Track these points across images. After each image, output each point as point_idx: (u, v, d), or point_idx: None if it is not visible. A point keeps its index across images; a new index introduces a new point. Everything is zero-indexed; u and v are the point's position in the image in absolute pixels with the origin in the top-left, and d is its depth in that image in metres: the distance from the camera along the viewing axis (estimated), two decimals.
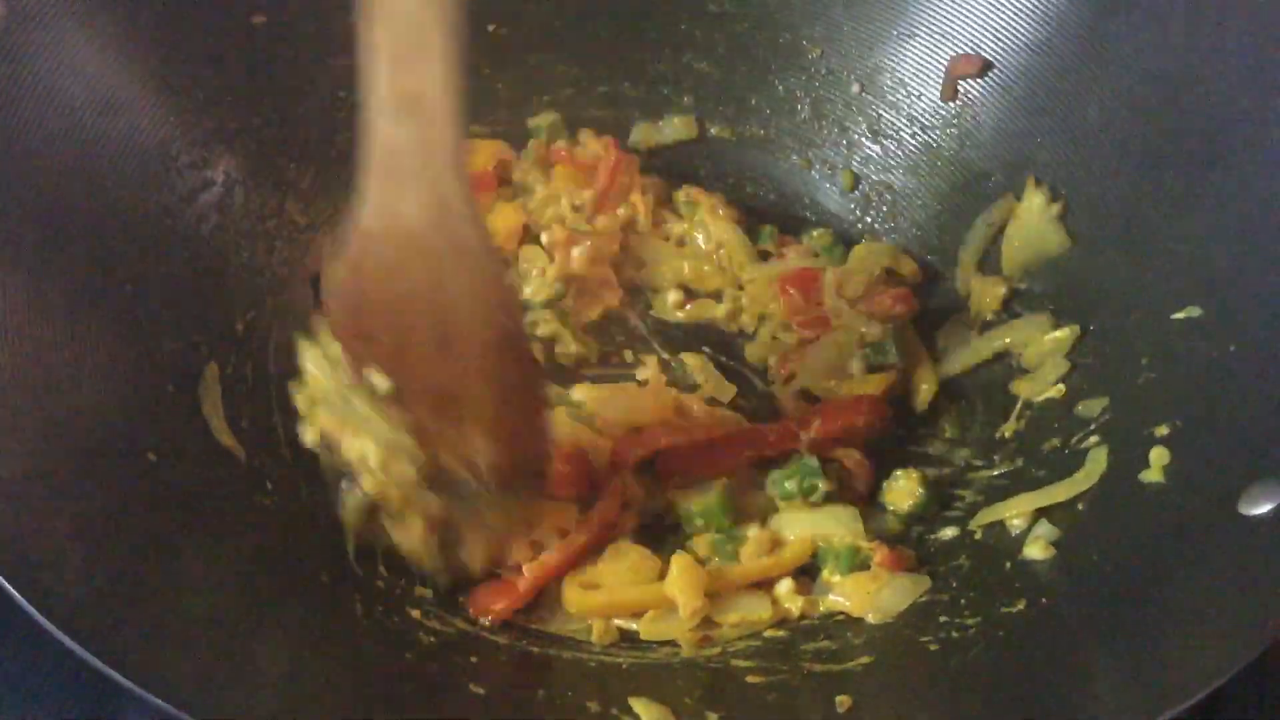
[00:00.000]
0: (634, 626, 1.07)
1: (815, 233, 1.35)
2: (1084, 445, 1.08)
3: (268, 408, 1.14)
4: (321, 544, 1.07)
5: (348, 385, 0.95)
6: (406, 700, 0.95)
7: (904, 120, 1.32)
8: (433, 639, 1.02)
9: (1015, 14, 1.22)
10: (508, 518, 1.05)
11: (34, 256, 1.00)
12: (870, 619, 1.05)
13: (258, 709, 0.84)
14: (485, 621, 1.06)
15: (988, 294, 1.24)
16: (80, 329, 1.01)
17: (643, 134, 1.40)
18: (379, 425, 0.95)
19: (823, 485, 1.12)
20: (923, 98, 1.31)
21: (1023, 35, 1.22)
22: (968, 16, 1.25)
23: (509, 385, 0.97)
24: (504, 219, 1.31)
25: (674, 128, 1.40)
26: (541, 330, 1.25)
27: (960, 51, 1.26)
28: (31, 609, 0.79)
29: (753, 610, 1.07)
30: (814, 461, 1.12)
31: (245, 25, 1.21)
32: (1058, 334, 1.17)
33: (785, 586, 1.08)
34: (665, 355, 1.26)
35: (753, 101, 1.38)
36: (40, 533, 0.86)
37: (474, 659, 1.01)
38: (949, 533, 1.12)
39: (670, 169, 1.38)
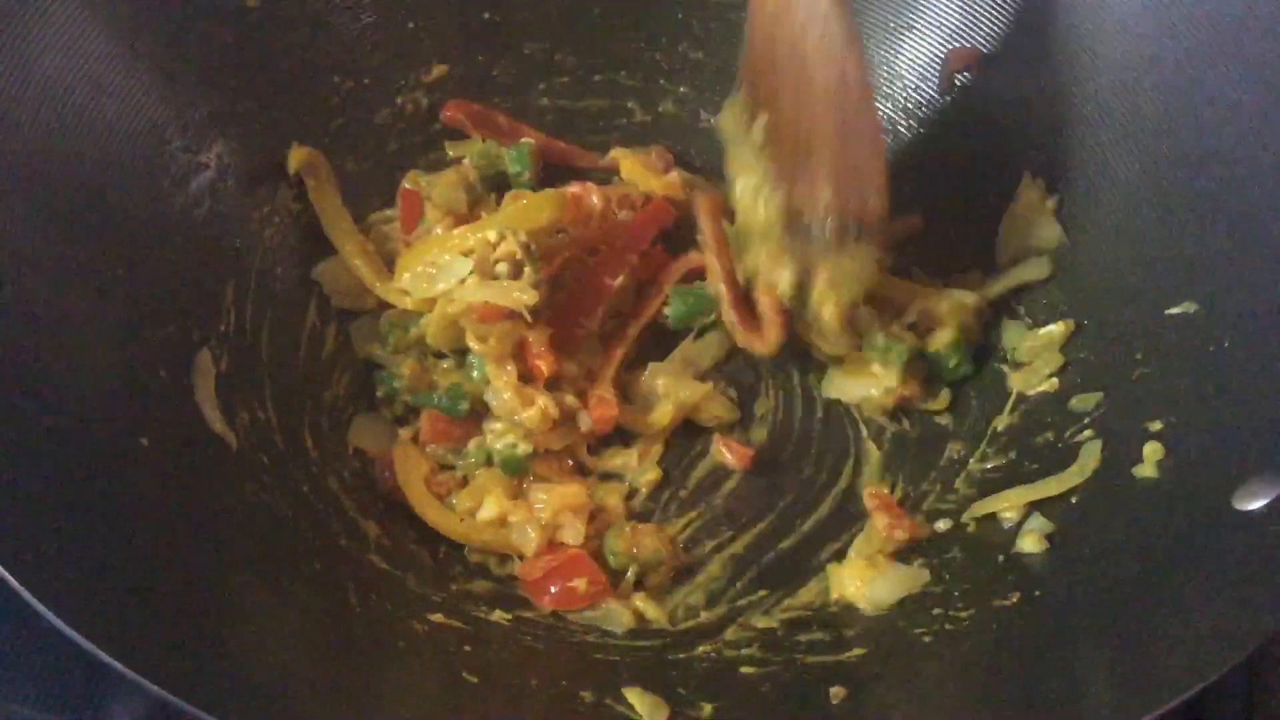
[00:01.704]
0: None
1: None
2: (1078, 439, 1.08)
3: (261, 395, 1.13)
4: (314, 531, 1.07)
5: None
6: (399, 688, 0.94)
7: (900, 113, 1.32)
8: (425, 627, 1.02)
9: (1013, 7, 1.22)
10: (855, 263, 1.12)
11: (25, 240, 0.99)
12: (864, 609, 1.05)
13: (250, 695, 0.84)
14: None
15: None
16: (73, 314, 1.00)
17: None
18: (757, 167, 1.14)
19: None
20: (919, 90, 1.30)
21: (1020, 29, 1.22)
22: (965, 9, 1.25)
23: (852, 132, 1.10)
24: None
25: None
26: None
27: (957, 45, 1.26)
28: (26, 593, 0.79)
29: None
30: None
31: (239, 8, 1.20)
32: (1052, 328, 1.17)
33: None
34: None
35: None
36: (33, 517, 0.85)
37: (467, 647, 1.01)
38: (942, 525, 1.12)
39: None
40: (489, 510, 1.12)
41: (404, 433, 1.17)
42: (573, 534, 1.10)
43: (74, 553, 0.86)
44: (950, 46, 1.27)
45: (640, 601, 1.08)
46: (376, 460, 1.16)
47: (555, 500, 1.11)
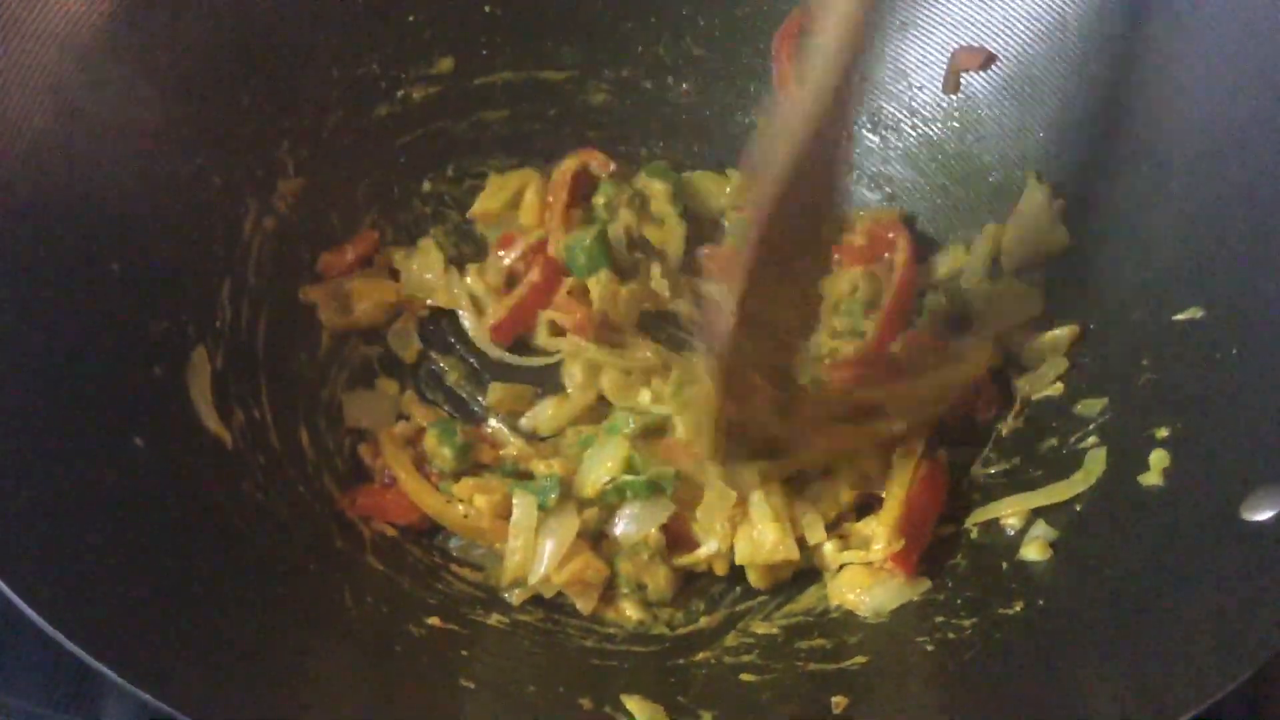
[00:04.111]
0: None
1: None
2: (1082, 445, 1.07)
3: (256, 393, 1.13)
4: (309, 533, 1.06)
5: None
6: (395, 693, 0.94)
7: (904, 112, 1.31)
8: (422, 631, 1.02)
9: (1020, 7, 1.21)
10: None
11: (20, 237, 0.98)
12: (865, 616, 1.05)
13: (244, 701, 0.83)
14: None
15: None
16: (67, 311, 0.99)
17: None
18: None
19: None
20: (924, 89, 1.29)
21: (1027, 29, 1.21)
22: (971, 8, 1.24)
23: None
24: None
25: None
26: None
27: (964, 44, 1.25)
28: (16, 599, 0.78)
29: None
30: None
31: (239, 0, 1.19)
32: (1057, 332, 1.16)
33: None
34: None
35: (752, 88, 1.36)
36: (25, 520, 0.84)
37: (464, 652, 1.01)
38: (945, 530, 1.10)
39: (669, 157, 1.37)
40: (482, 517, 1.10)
41: (401, 426, 1.17)
42: (583, 604, 1.08)
43: (65, 555, 0.85)
44: (957, 46, 1.25)
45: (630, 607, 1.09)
46: (367, 437, 1.17)
47: (572, 567, 1.07)
